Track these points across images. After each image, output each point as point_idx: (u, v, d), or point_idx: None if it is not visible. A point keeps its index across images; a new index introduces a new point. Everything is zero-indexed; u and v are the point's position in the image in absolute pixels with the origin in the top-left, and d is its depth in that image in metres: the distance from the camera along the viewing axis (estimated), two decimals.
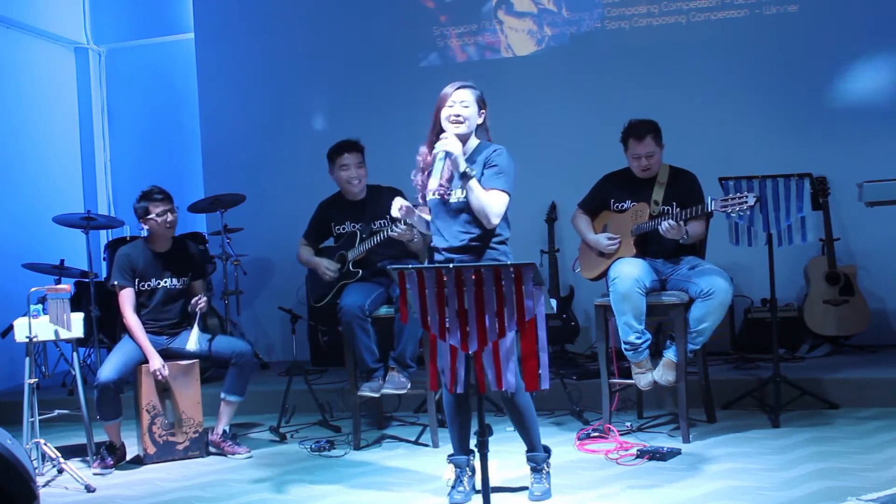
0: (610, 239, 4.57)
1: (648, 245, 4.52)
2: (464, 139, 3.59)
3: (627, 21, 6.56)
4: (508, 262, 3.43)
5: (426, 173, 3.68)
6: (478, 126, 3.65)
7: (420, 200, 3.76)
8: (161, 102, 7.66)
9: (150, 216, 4.66)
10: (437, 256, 3.65)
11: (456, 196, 3.57)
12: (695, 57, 6.38)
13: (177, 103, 7.58)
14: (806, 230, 4.69)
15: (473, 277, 2.99)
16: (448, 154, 3.49)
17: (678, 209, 4.47)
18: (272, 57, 7.20)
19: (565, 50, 6.67)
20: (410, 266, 3.10)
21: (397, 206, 3.70)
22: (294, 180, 6.95)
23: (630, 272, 4.31)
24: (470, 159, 3.58)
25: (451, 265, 3.05)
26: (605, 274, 4.57)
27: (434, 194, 3.62)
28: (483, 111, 3.64)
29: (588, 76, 6.56)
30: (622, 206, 4.65)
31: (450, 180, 3.59)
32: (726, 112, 6.27)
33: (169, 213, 4.68)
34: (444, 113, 3.57)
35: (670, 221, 4.32)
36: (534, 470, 3.72)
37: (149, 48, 7.70)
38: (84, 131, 7.74)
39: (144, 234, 4.86)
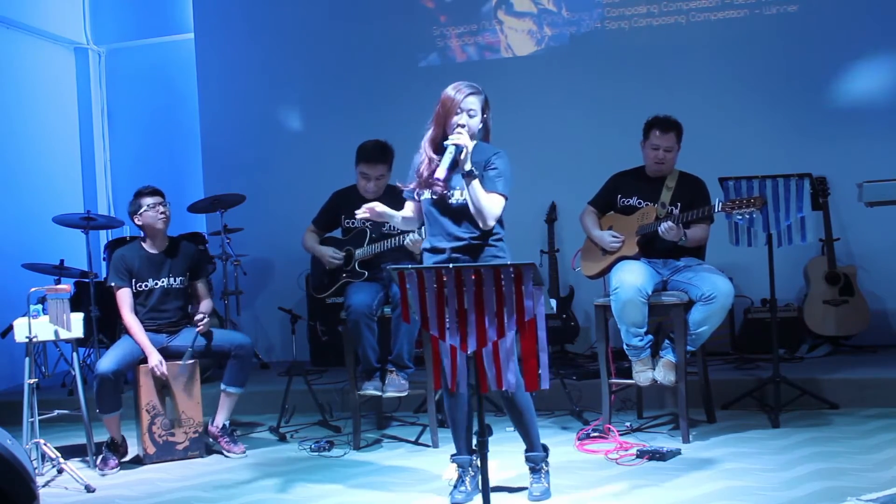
0: (614, 237, 4.57)
1: (651, 245, 4.52)
2: None
3: (627, 21, 6.56)
4: (507, 258, 3.56)
5: (427, 166, 3.65)
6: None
7: (414, 195, 3.73)
8: (161, 102, 7.66)
9: (142, 209, 4.68)
10: (439, 256, 3.63)
11: (456, 197, 3.59)
12: (695, 57, 6.38)
13: (177, 103, 7.58)
14: (806, 230, 4.68)
15: (473, 277, 3.00)
16: (458, 148, 3.51)
17: (679, 213, 4.47)
18: (272, 57, 7.20)
19: (565, 50, 6.67)
20: (410, 266, 3.10)
21: (362, 213, 3.74)
22: (294, 180, 6.96)
23: (632, 281, 4.29)
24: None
25: (451, 265, 3.05)
26: (605, 272, 4.57)
27: (432, 193, 3.62)
28: (486, 115, 3.67)
29: (588, 76, 6.56)
30: (629, 201, 4.63)
31: (447, 181, 3.58)
32: (726, 112, 6.27)
33: (161, 206, 4.72)
34: (455, 119, 3.57)
35: (669, 223, 4.33)
36: (532, 470, 3.72)
37: (149, 48, 7.70)
38: (84, 131, 7.74)
39: (142, 234, 4.86)
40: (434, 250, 3.66)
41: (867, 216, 4.89)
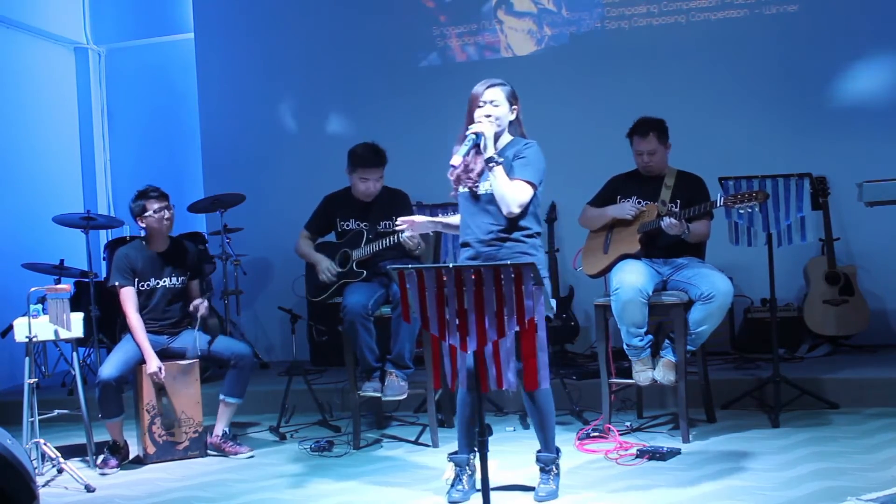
0: (637, 202, 4.54)
1: (654, 243, 4.51)
2: (496, 136, 3.64)
3: (627, 21, 6.56)
4: (538, 256, 3.56)
5: (461, 168, 3.67)
6: (510, 122, 3.70)
7: (452, 195, 3.78)
8: (161, 102, 7.66)
9: (147, 213, 4.67)
10: (467, 252, 3.66)
11: (484, 188, 3.62)
12: (695, 57, 6.38)
13: (177, 103, 7.58)
14: (806, 230, 4.69)
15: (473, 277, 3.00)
16: (478, 136, 3.55)
17: (681, 209, 4.47)
18: (272, 57, 7.20)
19: (565, 50, 6.67)
20: (410, 266, 3.11)
21: (403, 227, 3.86)
22: (294, 180, 6.96)
23: (632, 281, 4.29)
24: (501, 153, 3.62)
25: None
26: (607, 270, 4.57)
27: (464, 187, 3.65)
28: (515, 107, 3.69)
29: (588, 76, 6.56)
30: (628, 201, 4.63)
31: (480, 174, 3.63)
32: (726, 112, 6.27)
33: (166, 211, 4.70)
34: (477, 114, 3.62)
35: (672, 219, 4.32)
36: (542, 470, 3.72)
37: (149, 48, 7.70)
38: (84, 131, 7.74)
39: (143, 234, 4.86)
40: (465, 245, 3.68)
41: (867, 216, 4.89)
